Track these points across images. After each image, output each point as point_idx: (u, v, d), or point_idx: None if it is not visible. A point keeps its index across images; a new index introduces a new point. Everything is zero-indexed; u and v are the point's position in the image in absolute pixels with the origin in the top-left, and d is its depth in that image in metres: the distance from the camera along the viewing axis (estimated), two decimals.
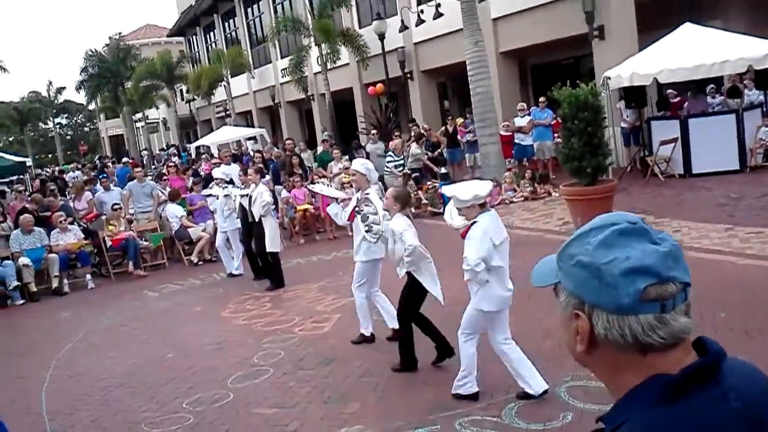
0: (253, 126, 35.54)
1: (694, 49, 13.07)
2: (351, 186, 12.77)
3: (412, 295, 5.99)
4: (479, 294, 5.26)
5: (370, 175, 7.11)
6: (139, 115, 49.06)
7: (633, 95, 14.85)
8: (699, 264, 8.13)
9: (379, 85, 23.08)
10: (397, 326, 6.38)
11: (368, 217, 6.82)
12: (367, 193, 6.99)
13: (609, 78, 13.48)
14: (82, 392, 6.68)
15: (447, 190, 5.58)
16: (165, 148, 47.41)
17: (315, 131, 29.60)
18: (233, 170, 14.55)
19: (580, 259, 1.19)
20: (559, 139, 16.56)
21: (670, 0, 17.39)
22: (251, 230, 9.85)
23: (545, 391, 5.19)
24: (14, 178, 20.99)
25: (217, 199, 10.90)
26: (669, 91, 15.81)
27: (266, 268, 9.85)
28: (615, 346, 1.16)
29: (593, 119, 10.54)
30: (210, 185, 11.56)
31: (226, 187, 10.61)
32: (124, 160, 27.97)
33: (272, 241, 9.37)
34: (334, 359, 6.66)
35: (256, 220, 9.15)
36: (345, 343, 7.09)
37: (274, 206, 9.40)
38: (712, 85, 15.26)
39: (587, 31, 16.51)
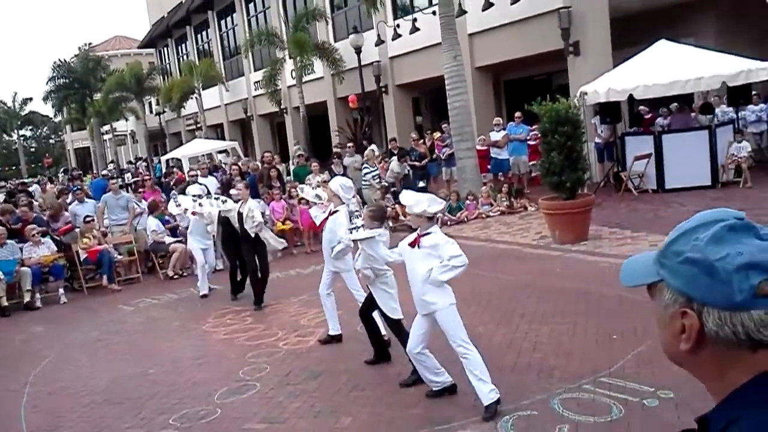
0: (224, 139, 35.28)
1: (669, 66, 13.32)
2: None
3: (370, 297, 6.42)
4: (444, 290, 5.31)
5: (341, 194, 7.32)
6: (106, 128, 48.40)
7: (608, 111, 15.06)
8: None
9: (352, 97, 23.11)
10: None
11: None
12: (336, 210, 7.22)
13: (585, 93, 13.65)
14: (64, 409, 6.51)
15: (403, 196, 5.68)
16: (133, 161, 46.87)
17: (287, 144, 29.48)
18: (210, 183, 14.45)
19: (690, 256, 1.16)
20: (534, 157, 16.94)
21: (644, 17, 17.72)
22: (237, 246, 9.66)
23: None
24: None
25: (185, 213, 10.60)
26: (641, 107, 16.07)
27: (255, 285, 9.52)
28: (724, 343, 1.14)
29: (573, 133, 10.66)
30: (175, 199, 11.06)
31: (200, 201, 10.14)
32: (104, 171, 27.58)
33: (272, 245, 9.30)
34: (322, 373, 6.59)
35: (252, 236, 8.94)
36: (332, 357, 7.04)
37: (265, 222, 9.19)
38: (674, 103, 15.51)
39: (562, 47, 16.71)
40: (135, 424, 5.90)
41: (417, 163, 16.37)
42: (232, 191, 10.50)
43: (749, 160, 13.71)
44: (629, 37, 16.68)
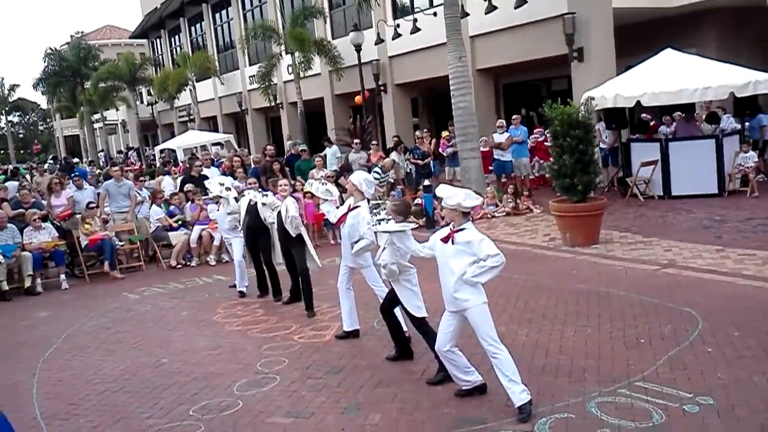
0: (217, 131, 35.02)
1: (676, 75, 13.37)
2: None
3: (393, 293, 6.27)
4: (477, 287, 5.22)
5: (364, 189, 7.13)
6: (97, 116, 47.93)
7: (613, 117, 15.05)
8: (697, 283, 8.23)
9: (358, 98, 22.96)
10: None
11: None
12: (357, 206, 7.04)
13: (592, 98, 13.61)
14: (77, 396, 6.34)
15: (439, 189, 5.56)
16: (123, 150, 46.47)
17: (282, 139, 29.28)
18: (213, 174, 14.29)
19: None
20: (537, 158, 16.95)
21: (646, 27, 17.78)
22: (257, 241, 9.37)
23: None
24: None
25: (217, 210, 10.11)
26: (643, 115, 16.09)
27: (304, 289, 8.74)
28: None
29: (584, 137, 10.63)
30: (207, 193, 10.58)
31: (227, 186, 9.80)
32: (88, 160, 27.27)
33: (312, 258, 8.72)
34: (343, 368, 6.47)
35: (293, 236, 8.57)
36: (351, 352, 6.92)
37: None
38: (678, 112, 15.52)
39: (565, 52, 16.68)
40: (154, 414, 5.75)
41: (420, 162, 16.29)
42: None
43: (756, 170, 13.76)
44: (632, 45, 16.74)
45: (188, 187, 13.39)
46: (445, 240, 5.32)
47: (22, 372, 7.26)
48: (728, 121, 14.86)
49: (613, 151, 15.65)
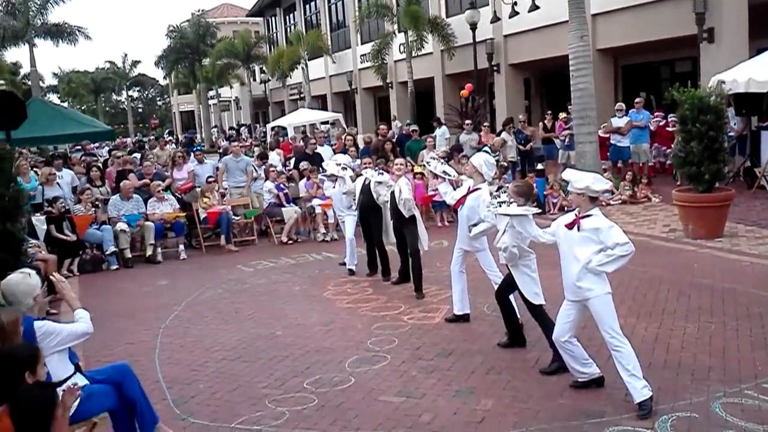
0: (326, 110, 35.54)
1: None
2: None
3: (509, 279, 6.14)
4: (601, 276, 5.04)
5: (484, 171, 6.98)
6: (212, 93, 49.66)
7: (744, 102, 14.18)
8: None
9: (468, 86, 22.66)
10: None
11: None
12: (478, 188, 6.90)
13: (723, 82, 12.85)
14: (197, 362, 6.59)
15: (566, 172, 5.42)
16: (236, 126, 47.98)
17: (389, 119, 29.39)
18: (326, 152, 14.49)
19: None
20: (657, 144, 16.21)
21: None
22: (369, 221, 9.34)
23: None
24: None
25: (333, 188, 10.04)
26: None
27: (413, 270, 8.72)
28: None
29: (715, 123, 10.08)
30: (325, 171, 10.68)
31: (343, 165, 9.89)
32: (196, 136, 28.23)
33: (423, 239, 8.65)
34: (453, 351, 6.42)
35: (406, 216, 8.59)
36: (461, 336, 6.86)
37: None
38: None
39: (694, 32, 15.84)
40: (270, 384, 5.90)
41: (521, 147, 15.95)
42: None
43: None
44: (765, 27, 15.67)
45: (303, 164, 13.61)
46: (570, 226, 5.14)
47: (144, 336, 7.61)
48: None
49: (741, 139, 14.75)
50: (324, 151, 14.63)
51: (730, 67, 13.82)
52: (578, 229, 5.08)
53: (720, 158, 10.08)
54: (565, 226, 5.18)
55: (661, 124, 16.42)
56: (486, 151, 13.71)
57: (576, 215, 5.15)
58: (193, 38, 44.89)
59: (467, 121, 16.93)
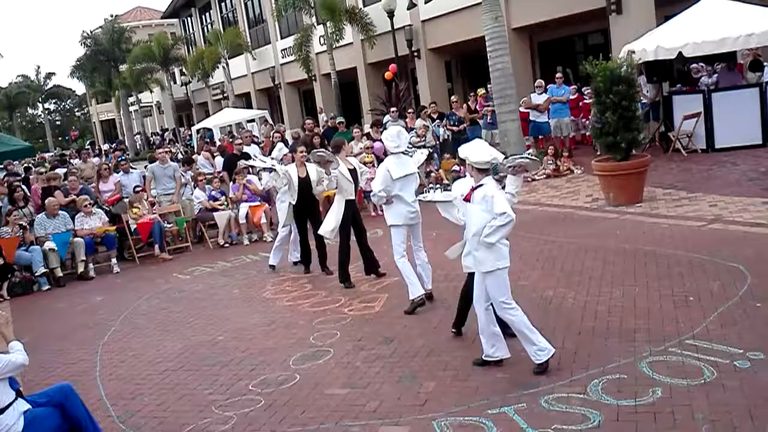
0: (251, 108, 35.21)
1: (718, 23, 13.00)
2: (373, 165, 12.71)
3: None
4: (496, 250, 5.25)
5: (388, 145, 7.45)
6: (132, 99, 48.56)
7: (655, 70, 14.74)
8: (745, 238, 8.12)
9: (392, 66, 22.83)
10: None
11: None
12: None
13: (633, 52, 13.33)
14: (139, 376, 6.56)
15: (460, 149, 5.58)
16: (159, 132, 47.09)
17: (315, 112, 29.32)
18: (254, 151, 14.42)
19: None
20: (576, 116, 16.68)
21: None
22: (307, 214, 9.56)
23: None
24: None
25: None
26: (693, 65, 15.68)
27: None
28: None
29: (627, 93, 10.48)
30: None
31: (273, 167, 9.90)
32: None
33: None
34: (394, 338, 6.56)
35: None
36: (401, 322, 7.01)
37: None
38: (718, 62, 15.10)
39: (603, 5, 16.33)
40: (215, 390, 5.93)
41: (455, 128, 16.21)
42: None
43: None
44: None
45: (242, 163, 13.33)
46: (466, 198, 5.39)
47: (83, 354, 7.51)
48: None
49: (655, 105, 15.33)
50: (251, 150, 14.55)
51: (639, 36, 14.34)
52: (471, 201, 5.32)
53: (634, 126, 10.48)
54: (464, 200, 5.42)
55: (573, 97, 16.75)
56: (414, 135, 13.99)
57: (471, 187, 5.36)
58: (108, 44, 43.78)
59: (392, 109, 17.08)
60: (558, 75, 16.59)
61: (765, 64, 14.80)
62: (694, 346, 5.39)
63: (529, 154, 5.78)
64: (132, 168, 14.62)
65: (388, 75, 22.93)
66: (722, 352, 5.20)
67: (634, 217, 9.93)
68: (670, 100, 14.65)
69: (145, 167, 15.28)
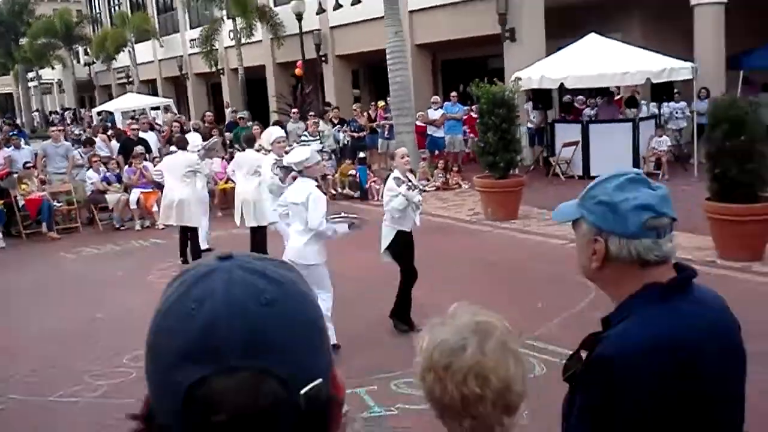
0: (157, 95, 34.63)
1: (598, 59, 14.03)
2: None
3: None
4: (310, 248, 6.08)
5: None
6: (32, 75, 46.66)
7: (540, 97, 15.78)
8: None
9: (300, 63, 23.16)
10: None
11: None
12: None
13: (520, 79, 14.26)
14: (16, 347, 6.73)
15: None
16: (59, 111, 45.43)
17: (223, 106, 29.26)
18: (151, 138, 14.50)
19: (601, 198, 1.65)
20: (471, 134, 17.55)
21: (576, 10, 18.46)
22: None
23: None
24: None
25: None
26: (579, 97, 16.82)
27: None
28: (623, 262, 1.62)
29: (507, 116, 11.27)
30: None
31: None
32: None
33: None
34: None
35: None
36: None
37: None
38: (599, 96, 16.37)
39: (499, 32, 17.29)
40: (89, 360, 6.21)
41: (355, 134, 16.77)
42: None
43: (668, 154, 14.67)
44: (561, 27, 17.37)
45: (138, 149, 13.43)
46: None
47: None
48: (646, 106, 15.75)
49: (540, 131, 16.40)
50: (149, 137, 14.62)
51: (530, 64, 15.32)
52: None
53: (512, 148, 11.32)
54: None
55: (466, 116, 17.55)
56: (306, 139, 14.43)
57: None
58: (8, 15, 41.97)
59: (293, 110, 17.47)
60: (453, 93, 17.42)
61: (642, 102, 16.16)
62: (532, 345, 6.09)
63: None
64: (26, 145, 14.38)
65: (298, 71, 23.23)
66: (555, 352, 5.89)
67: (507, 232, 10.74)
68: (552, 128, 15.72)
69: None
